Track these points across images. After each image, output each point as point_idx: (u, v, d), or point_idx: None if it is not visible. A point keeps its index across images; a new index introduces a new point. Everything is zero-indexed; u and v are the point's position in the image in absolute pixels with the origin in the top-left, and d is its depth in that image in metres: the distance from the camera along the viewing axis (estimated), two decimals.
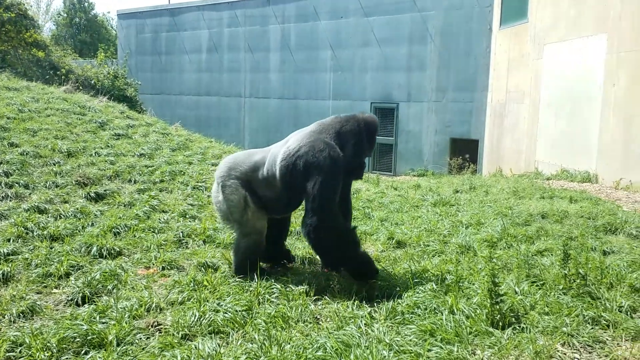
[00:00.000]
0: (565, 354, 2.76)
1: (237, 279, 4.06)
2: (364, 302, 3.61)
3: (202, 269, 4.42)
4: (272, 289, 3.79)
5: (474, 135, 14.40)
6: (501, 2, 13.31)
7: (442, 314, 3.17)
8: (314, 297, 3.72)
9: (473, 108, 14.34)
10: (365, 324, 3.17)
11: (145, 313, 3.55)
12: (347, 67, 16.67)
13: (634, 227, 5.30)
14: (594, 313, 3.14)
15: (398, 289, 3.71)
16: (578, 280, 3.55)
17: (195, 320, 3.30)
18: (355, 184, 8.06)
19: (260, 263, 4.17)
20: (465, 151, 14.15)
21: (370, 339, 2.93)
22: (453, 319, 3.11)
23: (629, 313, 3.20)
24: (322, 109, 17.17)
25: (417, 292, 3.56)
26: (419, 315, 3.24)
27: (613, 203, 7.01)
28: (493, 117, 13.71)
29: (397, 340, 2.89)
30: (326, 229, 3.80)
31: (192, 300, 3.66)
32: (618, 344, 2.87)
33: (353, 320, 3.25)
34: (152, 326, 3.35)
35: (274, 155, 4.14)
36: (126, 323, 3.30)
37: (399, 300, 3.47)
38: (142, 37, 22.26)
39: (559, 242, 4.95)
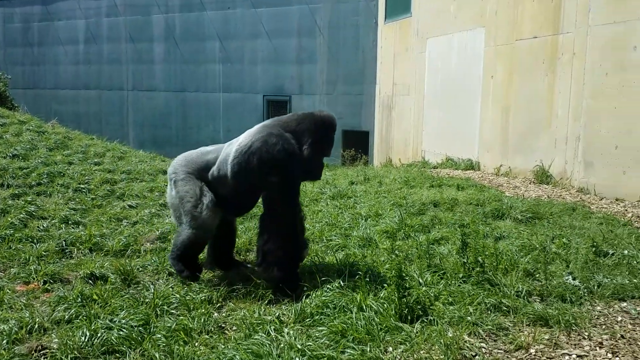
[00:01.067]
0: (473, 344, 2.81)
1: (131, 291, 3.76)
2: (271, 305, 3.47)
3: (90, 281, 4.03)
4: (171, 298, 3.54)
5: (365, 127, 14.73)
6: None
7: (352, 312, 3.12)
8: (217, 305, 3.53)
9: (363, 100, 14.64)
10: (274, 329, 3.03)
11: (27, 336, 3.16)
12: (237, 59, 16.35)
13: (519, 212, 5.61)
14: (495, 300, 3.24)
15: (305, 288, 3.61)
16: (477, 268, 3.65)
17: (86, 340, 2.98)
18: None
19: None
20: (356, 143, 14.43)
21: (282, 346, 2.81)
22: (363, 316, 3.06)
23: (525, 297, 3.34)
24: (212, 102, 16.71)
25: (325, 291, 3.48)
26: (329, 316, 3.16)
27: (497, 189, 7.43)
28: (382, 109, 14.08)
29: (310, 345, 2.79)
30: (284, 226, 3.66)
31: (80, 317, 3.30)
32: (520, 329, 2.97)
33: (261, 326, 3.10)
34: (35, 351, 2.98)
35: (226, 153, 3.90)
36: (4, 350, 2.91)
37: (307, 301, 3.38)
38: (11, 27, 20.39)
39: (453, 230, 5.13)
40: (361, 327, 2.96)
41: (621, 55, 6.55)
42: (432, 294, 3.40)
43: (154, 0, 17.43)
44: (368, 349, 2.75)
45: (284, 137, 3.71)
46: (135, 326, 3.14)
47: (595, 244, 4.30)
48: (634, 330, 2.97)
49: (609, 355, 2.70)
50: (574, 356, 2.70)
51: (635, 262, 3.99)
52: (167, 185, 4.17)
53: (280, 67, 15.71)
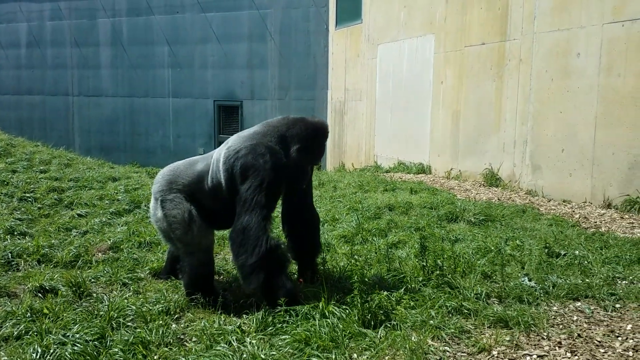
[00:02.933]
0: (437, 348, 2.83)
1: (84, 304, 3.60)
2: (232, 314, 3.40)
3: (40, 294, 3.83)
4: (127, 310, 3.40)
5: None
6: (336, 3, 13.75)
7: (315, 320, 3.08)
8: (176, 316, 3.43)
9: (315, 106, 14.66)
10: (236, 339, 2.96)
11: None
12: (187, 64, 16.07)
13: (472, 215, 5.73)
14: (456, 303, 3.27)
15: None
16: (436, 272, 3.69)
17: (38, 357, 2.83)
18: None
19: None
20: None
21: (244, 356, 2.74)
22: (326, 323, 3.04)
23: (485, 300, 3.40)
24: (162, 107, 16.36)
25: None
26: (292, 323, 3.11)
27: (449, 192, 7.57)
28: (334, 115, 14.14)
29: (273, 354, 2.74)
30: (252, 234, 3.39)
31: (31, 333, 3.13)
32: (481, 332, 3.02)
33: (222, 336, 3.02)
34: None
35: (216, 160, 3.69)
36: None
37: (270, 309, 3.32)
38: None
39: (409, 233, 5.19)
40: (325, 334, 2.93)
41: (565, 61, 6.81)
42: (393, 299, 3.41)
43: (100, 4, 16.95)
44: (333, 356, 2.73)
45: (272, 149, 3.57)
46: (90, 340, 3.00)
47: (547, 245, 4.42)
48: (590, 329, 3.06)
49: (568, 354, 2.77)
50: (534, 356, 2.75)
51: (586, 262, 4.12)
52: (144, 202, 3.92)
53: (231, 72, 15.54)
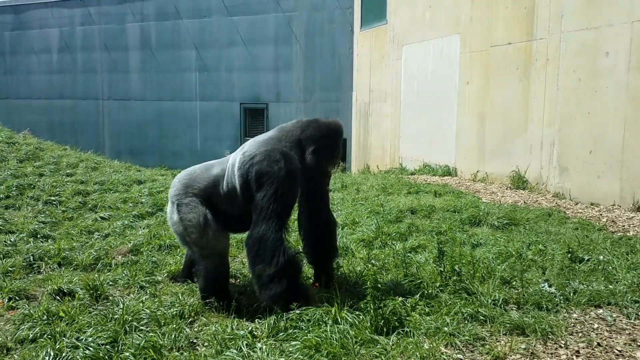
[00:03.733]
0: (449, 355, 2.76)
1: (99, 307, 3.64)
2: (245, 319, 3.39)
3: (58, 297, 3.89)
4: (141, 314, 3.42)
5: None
6: (361, 4, 13.69)
7: (327, 325, 3.05)
8: (190, 319, 3.43)
9: (340, 107, 14.62)
10: (246, 345, 2.95)
11: None
12: (214, 67, 16.23)
13: (495, 219, 5.61)
14: (472, 309, 3.19)
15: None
16: (454, 277, 3.61)
17: None
18: None
19: None
20: None
21: None
22: (338, 329, 2.99)
23: (502, 306, 3.31)
24: (189, 110, 16.55)
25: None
26: (303, 329, 3.08)
27: (474, 195, 7.44)
28: (359, 116, 14.08)
29: None
30: (269, 245, 3.39)
31: (45, 336, 3.18)
32: (497, 339, 2.93)
33: (234, 341, 3.01)
34: None
35: (232, 165, 3.71)
36: None
37: (282, 314, 3.29)
38: None
39: (430, 237, 5.10)
40: (336, 340, 2.88)
41: (594, 60, 6.62)
42: (408, 305, 3.35)
43: (129, 9, 17.25)
44: None
45: (287, 155, 3.56)
46: (103, 344, 3.02)
47: (570, 249, 4.29)
48: (611, 338, 2.95)
49: None
50: None
51: (610, 267, 3.99)
52: (166, 205, 3.92)
53: (257, 75, 15.63)
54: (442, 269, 3.75)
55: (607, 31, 6.42)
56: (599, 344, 2.87)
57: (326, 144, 3.70)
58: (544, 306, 3.32)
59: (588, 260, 4.16)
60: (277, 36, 15.27)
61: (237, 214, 3.73)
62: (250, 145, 3.73)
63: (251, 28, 15.58)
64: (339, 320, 3.13)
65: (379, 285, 3.23)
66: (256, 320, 3.36)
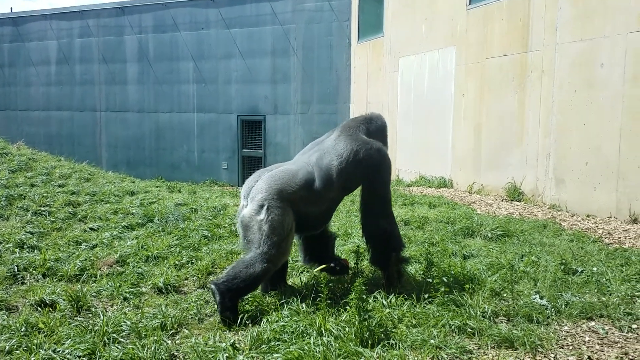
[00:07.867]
0: None
1: (80, 318, 3.55)
2: (227, 331, 3.30)
3: (40, 308, 3.81)
4: (122, 325, 3.33)
5: None
6: (358, 16, 13.72)
7: (311, 337, 2.96)
8: (172, 331, 3.34)
9: (337, 119, 14.58)
10: (227, 357, 2.86)
11: None
12: (211, 79, 16.22)
13: (489, 230, 5.53)
14: (460, 322, 3.11)
15: (268, 310, 3.44)
16: (442, 288, 3.53)
17: None
18: (223, 199, 7.69)
19: None
20: None
21: None
22: (321, 341, 2.91)
23: (491, 318, 3.22)
24: (186, 122, 16.52)
25: (285, 315, 3.32)
26: (286, 341, 2.99)
27: (468, 207, 7.37)
28: None
29: None
30: (394, 230, 3.83)
31: (22, 348, 3.09)
32: (484, 352, 2.85)
33: (214, 354, 2.92)
34: None
35: (325, 166, 3.77)
36: None
37: (265, 325, 3.21)
38: None
39: (422, 248, 5.02)
40: (319, 353, 2.80)
41: (589, 71, 6.59)
42: (395, 316, 3.27)
43: (127, 21, 17.29)
44: None
45: (380, 144, 3.83)
46: (80, 356, 2.94)
47: (564, 261, 4.21)
48: (602, 351, 2.87)
49: None
50: None
51: (604, 279, 3.90)
52: (242, 204, 3.80)
53: (254, 87, 15.62)
54: (430, 280, 3.67)
55: (602, 42, 6.39)
56: (589, 357, 2.78)
57: (386, 134, 4.12)
58: (535, 318, 3.23)
59: (581, 272, 4.08)
60: (274, 48, 15.29)
61: (317, 212, 3.84)
62: (337, 142, 3.85)
63: (249, 40, 15.60)
64: (324, 332, 3.05)
65: (364, 296, 3.14)
66: (239, 332, 3.28)
